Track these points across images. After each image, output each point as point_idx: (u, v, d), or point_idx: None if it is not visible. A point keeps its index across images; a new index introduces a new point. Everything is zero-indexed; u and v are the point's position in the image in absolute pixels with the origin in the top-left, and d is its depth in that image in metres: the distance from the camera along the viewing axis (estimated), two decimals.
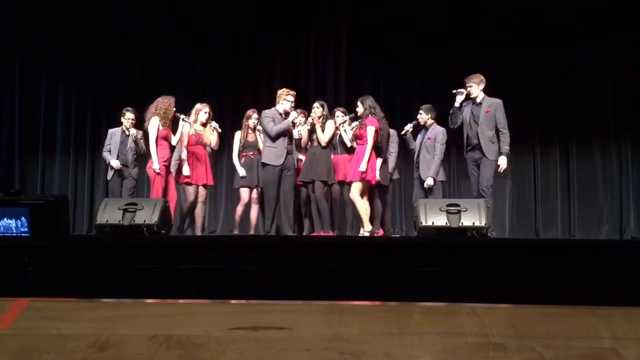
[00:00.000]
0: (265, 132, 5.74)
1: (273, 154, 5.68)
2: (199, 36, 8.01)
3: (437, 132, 5.99)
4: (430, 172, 5.89)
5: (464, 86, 5.62)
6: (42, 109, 8.03)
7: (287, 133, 5.73)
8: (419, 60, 7.64)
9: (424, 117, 6.10)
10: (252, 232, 6.06)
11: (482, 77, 5.62)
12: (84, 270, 2.81)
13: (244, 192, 6.02)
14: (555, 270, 2.83)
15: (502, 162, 5.49)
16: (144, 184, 7.27)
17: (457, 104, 5.63)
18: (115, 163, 6.15)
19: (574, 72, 7.54)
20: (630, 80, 7.40)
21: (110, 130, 6.40)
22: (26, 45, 8.00)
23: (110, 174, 6.27)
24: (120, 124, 6.26)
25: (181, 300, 2.17)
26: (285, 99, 5.76)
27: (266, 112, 5.79)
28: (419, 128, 6.19)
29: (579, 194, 7.51)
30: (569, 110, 7.64)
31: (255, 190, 6.02)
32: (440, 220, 4.36)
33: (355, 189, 5.59)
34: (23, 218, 2.46)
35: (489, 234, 4.51)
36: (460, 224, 4.34)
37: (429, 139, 6.00)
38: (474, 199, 5.11)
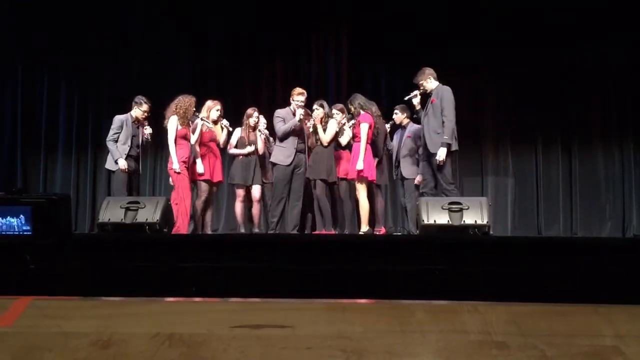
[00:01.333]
0: (276, 132, 5.80)
1: (281, 153, 5.75)
2: (199, 36, 8.01)
3: (416, 130, 6.02)
4: (419, 169, 5.94)
5: (416, 88, 5.60)
6: (44, 108, 8.05)
7: (297, 132, 5.73)
8: (421, 60, 7.59)
9: (399, 116, 6.21)
10: (256, 230, 6.06)
11: (427, 70, 5.49)
12: (85, 268, 2.82)
13: (239, 189, 6.02)
14: (558, 269, 2.83)
15: (440, 153, 5.20)
16: (156, 182, 7.31)
17: (417, 107, 5.62)
18: (122, 164, 5.71)
19: (574, 71, 7.54)
20: (631, 79, 7.39)
21: (120, 117, 5.89)
22: (27, 45, 8.01)
23: (117, 165, 5.74)
24: (127, 111, 5.95)
25: (183, 299, 2.17)
26: (293, 99, 5.81)
27: (278, 112, 5.87)
28: (395, 128, 6.26)
29: (581, 192, 7.51)
30: (570, 108, 7.63)
31: (255, 188, 5.99)
32: (442, 218, 4.38)
33: (360, 188, 5.62)
34: (25, 217, 2.46)
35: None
36: (462, 222, 4.35)
37: (409, 137, 6.08)
38: (476, 197, 5.10)
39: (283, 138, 5.74)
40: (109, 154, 5.88)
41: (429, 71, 5.49)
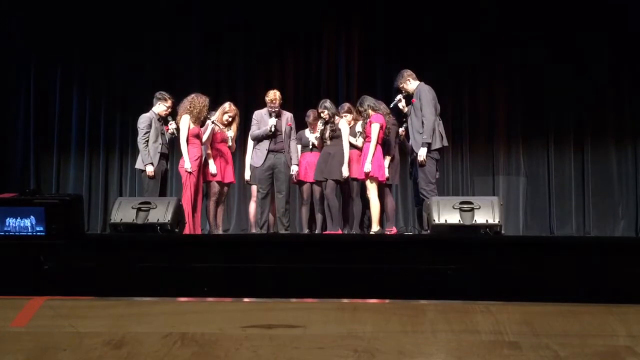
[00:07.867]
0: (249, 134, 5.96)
1: (255, 155, 5.84)
2: (211, 35, 8.04)
3: None
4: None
5: (399, 92, 5.60)
6: (57, 109, 8.12)
7: (270, 135, 5.75)
8: (432, 58, 7.61)
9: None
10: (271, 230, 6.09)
11: (405, 72, 5.50)
12: (98, 268, 2.84)
13: (254, 189, 6.04)
14: (570, 268, 2.81)
15: (420, 153, 5.24)
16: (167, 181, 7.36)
17: (404, 110, 5.62)
18: (150, 170, 5.52)
19: (587, 68, 7.48)
20: None
21: (147, 116, 5.67)
22: (40, 45, 8.08)
23: (151, 167, 5.52)
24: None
25: (195, 299, 2.18)
26: (267, 103, 5.84)
27: (255, 114, 5.93)
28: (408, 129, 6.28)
29: (594, 190, 7.46)
30: (582, 106, 7.58)
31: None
32: (453, 218, 4.36)
33: (371, 188, 5.61)
34: (38, 217, 2.49)
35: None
36: (473, 222, 4.32)
37: None
38: (488, 196, 5.08)
39: (256, 141, 5.86)
40: (139, 155, 5.68)
41: (407, 73, 5.50)
